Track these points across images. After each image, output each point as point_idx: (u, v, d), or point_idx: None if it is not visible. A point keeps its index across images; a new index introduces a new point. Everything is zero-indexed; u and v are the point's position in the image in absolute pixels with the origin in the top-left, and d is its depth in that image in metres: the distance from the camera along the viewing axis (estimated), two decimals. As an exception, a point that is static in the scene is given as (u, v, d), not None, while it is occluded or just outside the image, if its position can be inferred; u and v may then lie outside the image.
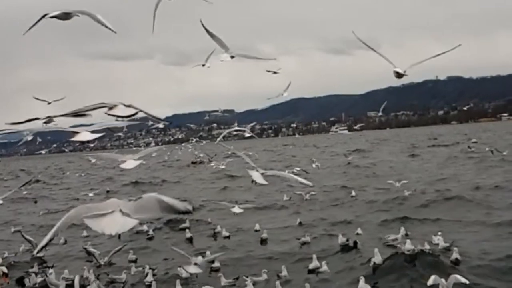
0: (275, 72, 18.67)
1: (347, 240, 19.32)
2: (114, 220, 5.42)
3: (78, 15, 8.33)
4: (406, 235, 18.97)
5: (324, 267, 16.73)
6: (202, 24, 10.29)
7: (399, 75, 9.56)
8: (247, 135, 21.42)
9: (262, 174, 10.82)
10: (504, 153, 47.01)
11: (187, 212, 5.88)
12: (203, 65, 17.37)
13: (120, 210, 5.48)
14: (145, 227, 24.56)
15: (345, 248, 18.97)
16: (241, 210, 19.95)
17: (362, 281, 14.24)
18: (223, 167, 52.43)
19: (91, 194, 42.31)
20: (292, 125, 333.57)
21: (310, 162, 47.04)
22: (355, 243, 17.99)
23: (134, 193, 42.98)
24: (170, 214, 6.12)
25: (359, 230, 21.44)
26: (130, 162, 10.59)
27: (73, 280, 15.78)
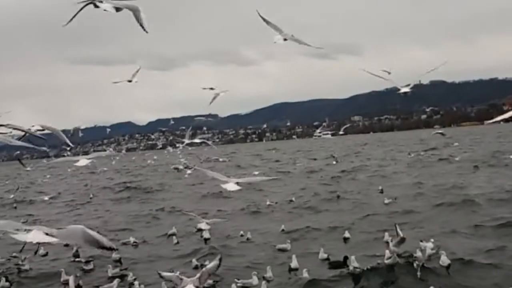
0: (211, 88, 18.90)
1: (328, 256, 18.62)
2: (36, 234, 6.51)
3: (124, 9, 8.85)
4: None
5: (305, 275, 16.48)
6: (258, 13, 10.88)
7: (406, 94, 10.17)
8: (197, 140, 21.69)
9: (237, 183, 11.13)
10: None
11: (110, 249, 6.56)
12: (130, 81, 17.54)
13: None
14: (131, 239, 24.08)
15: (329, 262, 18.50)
16: (208, 227, 19.84)
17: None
18: (186, 176, 52.42)
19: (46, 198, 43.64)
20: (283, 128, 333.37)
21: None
22: (345, 258, 17.47)
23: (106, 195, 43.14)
24: (93, 247, 6.54)
25: (346, 234, 21.35)
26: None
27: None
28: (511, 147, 59.27)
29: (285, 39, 11.05)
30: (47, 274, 19.25)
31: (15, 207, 41.60)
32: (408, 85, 15.58)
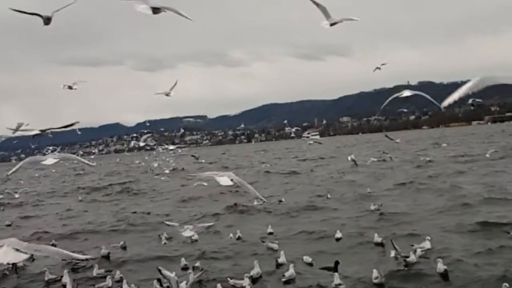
0: (167, 95, 18.99)
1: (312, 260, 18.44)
2: (6, 252, 6.41)
3: (165, 11, 9.25)
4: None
5: (291, 270, 16.42)
6: None
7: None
8: (142, 144, 21.80)
9: (231, 179, 11.25)
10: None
11: (86, 260, 6.63)
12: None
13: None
14: (121, 242, 23.85)
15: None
16: (192, 233, 19.90)
17: None
18: (164, 178, 52.46)
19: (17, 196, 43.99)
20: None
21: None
22: (337, 263, 17.39)
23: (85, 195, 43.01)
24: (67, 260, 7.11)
25: (338, 234, 21.28)
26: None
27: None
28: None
29: (331, 24, 10.98)
30: (31, 274, 19.08)
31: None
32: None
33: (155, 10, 9.29)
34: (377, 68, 30.75)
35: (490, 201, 26.95)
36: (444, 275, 15.25)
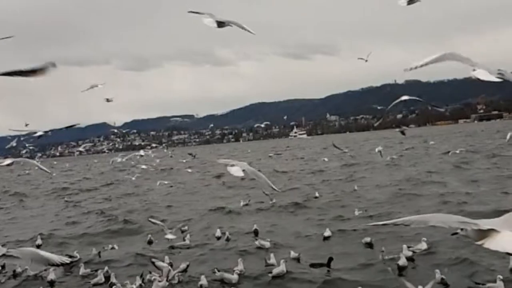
0: (108, 100, 18.95)
1: (298, 255, 18.45)
2: None
3: (230, 25, 9.69)
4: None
5: (282, 266, 16.28)
6: None
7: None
8: (81, 149, 21.75)
9: (243, 170, 11.14)
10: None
11: (62, 264, 6.81)
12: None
13: None
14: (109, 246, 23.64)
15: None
16: (174, 236, 19.65)
17: None
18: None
19: None
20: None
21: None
22: (330, 259, 17.18)
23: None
24: (44, 265, 7.38)
25: (327, 232, 21.04)
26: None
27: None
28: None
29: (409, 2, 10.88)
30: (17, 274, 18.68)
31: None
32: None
33: (220, 24, 9.71)
34: (361, 58, 30.61)
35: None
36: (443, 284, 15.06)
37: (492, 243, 4.77)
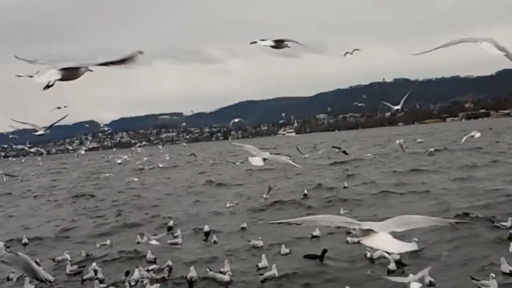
0: (59, 108, 19.08)
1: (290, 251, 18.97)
2: None
3: (288, 46, 9.48)
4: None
5: (274, 270, 16.38)
6: None
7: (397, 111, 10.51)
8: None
9: (264, 159, 11.37)
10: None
11: (45, 281, 6.89)
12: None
13: None
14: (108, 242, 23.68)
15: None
16: (158, 243, 19.88)
17: None
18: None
19: None
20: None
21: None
22: (324, 252, 17.34)
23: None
24: (29, 276, 7.11)
25: (316, 231, 21.17)
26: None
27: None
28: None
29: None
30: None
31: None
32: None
33: (277, 44, 9.44)
34: (347, 52, 30.67)
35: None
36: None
37: (369, 241, 5.61)
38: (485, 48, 7.09)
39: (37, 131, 14.88)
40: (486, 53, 7.12)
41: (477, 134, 30.07)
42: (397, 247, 5.57)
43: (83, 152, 56.54)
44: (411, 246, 5.74)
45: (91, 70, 6.25)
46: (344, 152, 31.75)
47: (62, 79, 5.97)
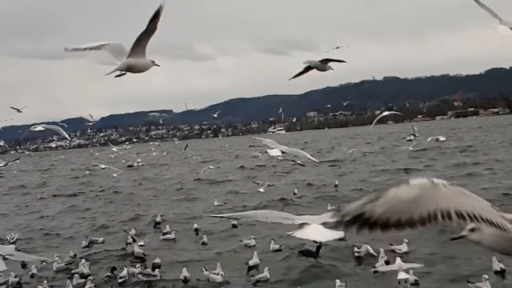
0: (19, 110, 19.39)
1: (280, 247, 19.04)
2: None
3: (332, 69, 10.00)
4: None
5: (266, 273, 16.36)
6: None
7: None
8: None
9: (282, 152, 11.87)
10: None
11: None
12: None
13: None
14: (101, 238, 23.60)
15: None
16: (140, 251, 19.96)
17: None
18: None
19: None
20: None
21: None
22: (318, 248, 17.37)
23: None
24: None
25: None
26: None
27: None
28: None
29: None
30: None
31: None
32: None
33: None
34: (336, 47, 30.65)
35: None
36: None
37: (299, 233, 5.99)
38: (501, 31, 7.18)
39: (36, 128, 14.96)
40: (502, 36, 7.27)
41: (442, 138, 31.08)
42: (326, 236, 5.86)
43: (31, 154, 55.50)
44: (338, 234, 6.01)
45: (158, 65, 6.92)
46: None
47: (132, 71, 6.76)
